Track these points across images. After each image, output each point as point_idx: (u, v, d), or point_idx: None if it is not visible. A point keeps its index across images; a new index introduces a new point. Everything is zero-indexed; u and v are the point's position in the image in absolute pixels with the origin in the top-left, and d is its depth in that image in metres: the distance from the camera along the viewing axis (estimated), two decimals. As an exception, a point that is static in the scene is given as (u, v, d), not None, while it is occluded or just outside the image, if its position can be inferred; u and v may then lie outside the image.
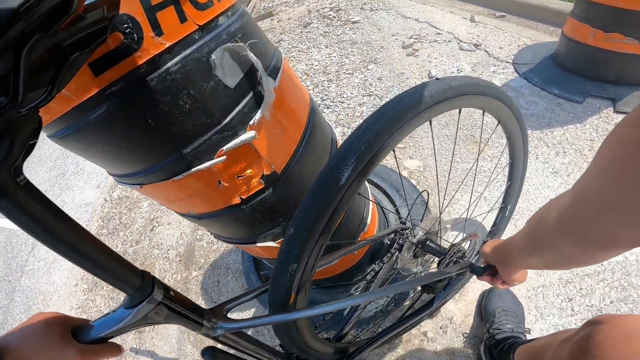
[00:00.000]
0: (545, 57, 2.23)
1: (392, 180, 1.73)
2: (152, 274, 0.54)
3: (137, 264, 1.96)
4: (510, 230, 1.47)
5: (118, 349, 0.57)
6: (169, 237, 2.06)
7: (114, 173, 0.74)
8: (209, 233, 1.21)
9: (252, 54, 0.64)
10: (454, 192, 1.66)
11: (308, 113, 0.88)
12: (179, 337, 1.59)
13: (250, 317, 1.54)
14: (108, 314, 0.53)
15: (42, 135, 0.62)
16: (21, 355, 0.46)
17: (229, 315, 0.70)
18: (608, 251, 0.44)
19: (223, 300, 1.61)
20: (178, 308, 0.57)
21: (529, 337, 1.13)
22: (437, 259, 1.00)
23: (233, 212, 0.82)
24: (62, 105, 0.52)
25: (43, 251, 2.37)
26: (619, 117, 1.79)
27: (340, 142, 1.38)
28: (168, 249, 2.00)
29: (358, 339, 1.10)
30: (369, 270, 1.42)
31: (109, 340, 0.55)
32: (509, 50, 2.42)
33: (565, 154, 1.70)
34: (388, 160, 1.93)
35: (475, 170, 1.74)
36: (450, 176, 1.75)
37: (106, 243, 2.15)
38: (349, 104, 2.42)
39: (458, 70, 2.37)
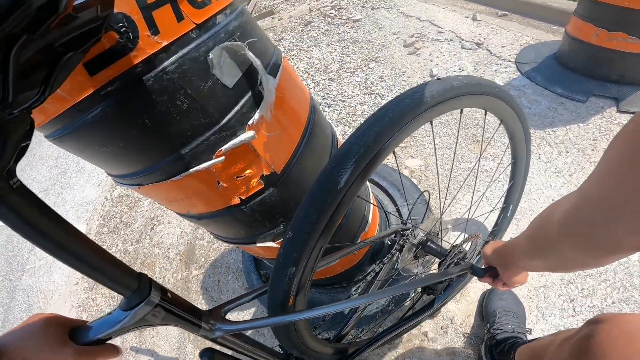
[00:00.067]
0: (548, 56, 2.22)
1: (393, 180, 1.72)
2: (152, 272, 0.54)
3: (137, 263, 1.97)
4: (512, 230, 1.47)
5: (116, 351, 0.56)
6: (169, 235, 2.06)
7: (112, 173, 0.73)
8: (209, 232, 1.21)
9: (250, 53, 0.64)
10: (456, 192, 1.65)
11: (308, 112, 0.88)
12: (180, 336, 1.59)
13: (249, 318, 1.54)
14: (106, 315, 0.53)
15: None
16: (18, 356, 0.45)
17: (228, 315, 0.70)
18: (612, 255, 0.44)
19: (223, 300, 1.63)
20: (175, 310, 0.56)
21: (530, 337, 1.13)
22: (437, 260, 1.00)
23: (232, 213, 0.81)
24: (57, 106, 0.51)
25: (44, 250, 2.36)
26: (622, 117, 1.78)
27: (341, 141, 1.37)
28: (168, 248, 1.99)
29: (358, 339, 1.10)
30: (370, 270, 1.41)
31: (107, 342, 0.55)
32: (511, 49, 2.40)
33: (568, 153, 1.69)
34: (389, 159, 1.92)
35: (477, 170, 1.73)
36: (451, 176, 1.75)
37: (107, 241, 2.17)
38: (350, 103, 2.41)
39: (460, 69, 2.36)
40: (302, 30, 3.43)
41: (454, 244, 0.97)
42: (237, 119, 0.66)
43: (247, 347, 0.74)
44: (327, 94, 2.54)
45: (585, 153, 1.67)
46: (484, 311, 1.27)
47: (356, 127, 0.62)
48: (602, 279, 1.29)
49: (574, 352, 0.61)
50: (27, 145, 0.36)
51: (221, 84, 0.62)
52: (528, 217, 1.50)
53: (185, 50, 0.55)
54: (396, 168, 1.82)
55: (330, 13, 3.58)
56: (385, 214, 1.55)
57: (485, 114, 0.88)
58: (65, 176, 2.94)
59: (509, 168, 1.12)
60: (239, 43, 0.62)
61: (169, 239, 2.04)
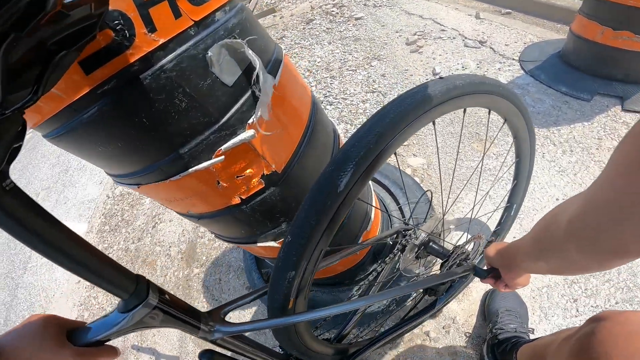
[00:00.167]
0: (552, 55, 2.21)
1: (395, 178, 1.71)
2: (154, 271, 0.53)
3: (139, 261, 1.97)
4: (515, 230, 1.45)
5: (115, 352, 0.56)
6: (170, 234, 2.06)
7: (111, 173, 0.72)
8: (210, 232, 1.20)
9: (250, 51, 0.63)
10: (459, 192, 1.64)
11: (310, 110, 0.87)
12: (181, 334, 1.59)
13: (250, 319, 1.53)
14: (104, 316, 0.52)
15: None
16: (16, 356, 0.45)
17: (228, 316, 0.69)
18: (618, 259, 0.43)
19: (225, 298, 1.62)
20: (174, 312, 0.56)
21: (532, 337, 1.12)
22: (439, 260, 0.99)
23: (233, 213, 0.80)
24: (53, 105, 0.51)
25: (46, 248, 2.36)
26: (627, 116, 1.76)
27: (343, 139, 1.36)
28: (170, 246, 1.99)
29: (359, 340, 1.09)
30: (371, 270, 1.40)
31: (106, 343, 0.54)
32: (515, 48, 2.38)
33: (572, 152, 1.68)
34: (391, 158, 1.91)
35: (481, 168, 1.72)
36: (454, 175, 1.73)
37: (109, 240, 2.17)
38: (352, 101, 2.39)
39: (463, 68, 2.34)
40: (303, 29, 3.41)
41: (457, 244, 0.96)
42: (237, 118, 0.65)
43: (246, 349, 0.73)
44: (329, 92, 2.53)
45: (589, 152, 1.66)
46: (487, 311, 1.27)
47: (357, 127, 0.61)
48: (606, 279, 1.28)
49: (575, 350, 0.61)
50: (20, 147, 0.35)
51: (220, 82, 0.61)
52: (531, 217, 1.49)
53: (183, 48, 0.54)
54: (398, 167, 1.81)
55: (332, 11, 3.56)
56: (388, 215, 1.54)
57: (489, 113, 0.87)
58: (67, 174, 2.94)
59: (513, 167, 1.11)
60: (239, 40, 0.61)
61: (170, 237, 2.04)
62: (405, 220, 1.48)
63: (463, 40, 2.58)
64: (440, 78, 0.69)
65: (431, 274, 1.25)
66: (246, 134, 0.66)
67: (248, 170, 0.72)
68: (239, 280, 1.69)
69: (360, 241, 1.15)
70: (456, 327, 1.30)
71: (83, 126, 0.54)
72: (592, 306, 1.23)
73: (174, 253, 1.94)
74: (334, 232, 0.62)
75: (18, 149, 0.35)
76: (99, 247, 2.16)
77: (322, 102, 2.45)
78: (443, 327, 1.30)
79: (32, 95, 0.34)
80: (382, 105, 2.27)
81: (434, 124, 0.71)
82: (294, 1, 4.12)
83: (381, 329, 1.33)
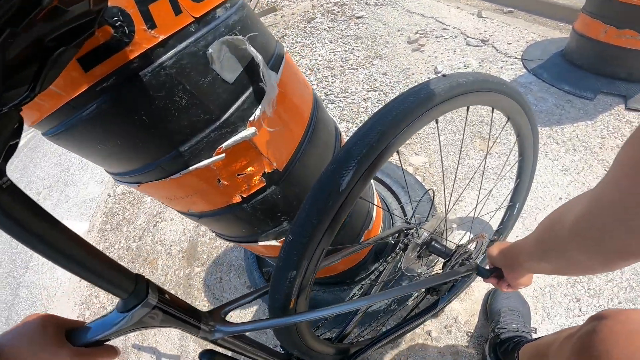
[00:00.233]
0: (554, 53, 2.20)
1: (397, 177, 1.70)
2: (155, 270, 0.53)
3: (140, 260, 1.97)
4: (518, 229, 1.45)
5: (114, 352, 0.55)
6: (171, 232, 2.05)
7: (111, 171, 0.72)
8: (211, 230, 1.20)
9: (251, 48, 0.62)
10: (462, 191, 1.64)
11: (311, 108, 0.86)
12: (182, 334, 1.58)
13: (250, 318, 1.53)
14: (103, 316, 0.52)
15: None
16: (15, 356, 0.45)
17: (229, 315, 0.69)
18: (623, 260, 0.43)
19: (226, 297, 1.62)
20: (174, 312, 0.55)
21: (534, 336, 1.11)
22: (441, 259, 0.98)
23: (234, 211, 0.80)
24: (51, 103, 0.50)
25: (47, 247, 2.36)
26: (631, 114, 1.75)
27: (344, 138, 1.36)
28: (171, 245, 1.99)
29: (361, 339, 1.09)
30: (373, 269, 1.40)
31: (106, 343, 0.53)
32: (517, 46, 2.37)
33: (575, 151, 1.67)
34: (392, 156, 1.90)
35: (484, 167, 1.71)
36: (457, 174, 1.73)
37: (110, 238, 2.17)
38: (354, 99, 2.39)
39: (465, 66, 2.33)
40: (305, 27, 3.40)
41: (459, 244, 0.96)
42: (237, 115, 0.65)
43: (247, 348, 0.73)
44: (330, 90, 2.52)
45: (592, 151, 1.65)
46: (489, 310, 1.26)
47: (359, 125, 0.60)
48: (609, 279, 1.27)
49: (577, 349, 0.60)
50: (17, 144, 0.35)
51: (221, 80, 0.60)
52: (534, 216, 1.48)
53: (183, 45, 0.54)
54: (399, 165, 1.80)
55: (333, 10, 3.55)
56: (390, 214, 1.53)
57: (493, 111, 0.86)
58: (69, 173, 2.94)
59: (516, 166, 1.11)
60: (240, 37, 0.60)
61: (171, 236, 2.04)
62: (407, 219, 1.48)
63: (465, 38, 2.57)
64: (444, 76, 0.69)
65: (433, 273, 1.24)
66: (247, 132, 0.66)
67: (249, 169, 0.71)
68: (240, 279, 1.69)
69: (361, 240, 1.14)
70: (458, 327, 1.29)
71: (82, 123, 0.53)
72: (595, 306, 1.22)
73: (175, 252, 1.94)
74: (336, 231, 0.61)
75: (15, 147, 0.35)
76: (100, 246, 2.16)
77: (323, 101, 2.44)
78: (445, 327, 1.30)
79: (29, 92, 0.33)
80: (383, 103, 2.27)
81: (437, 122, 0.70)
82: (294, 0, 4.11)
83: (382, 328, 1.33)
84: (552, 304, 1.26)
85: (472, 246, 0.99)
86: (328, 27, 3.29)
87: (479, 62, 2.33)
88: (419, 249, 0.97)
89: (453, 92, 0.67)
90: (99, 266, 0.44)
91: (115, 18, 0.45)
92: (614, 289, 1.25)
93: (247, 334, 0.74)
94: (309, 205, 0.59)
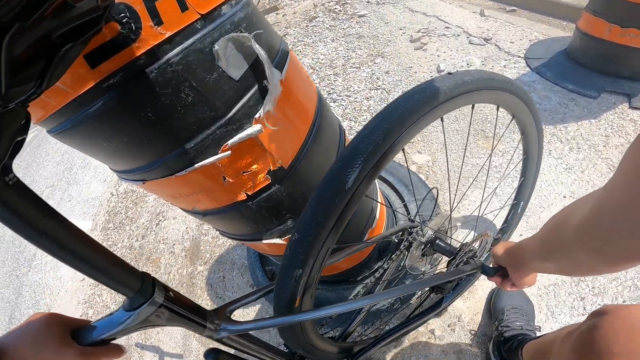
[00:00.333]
0: (558, 52, 2.19)
1: (400, 175, 1.70)
2: (157, 269, 0.52)
3: (143, 259, 1.97)
4: (522, 227, 1.44)
5: (120, 351, 0.55)
6: (174, 231, 2.05)
7: (115, 169, 0.72)
8: (214, 228, 1.20)
9: (257, 45, 0.62)
10: (466, 190, 1.63)
11: (316, 106, 0.86)
12: (185, 333, 1.58)
13: (254, 317, 1.53)
14: (109, 314, 0.51)
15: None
16: (20, 357, 0.44)
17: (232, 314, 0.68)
18: (628, 262, 0.43)
19: (228, 296, 1.62)
20: (180, 310, 0.55)
21: (538, 334, 1.11)
22: (445, 258, 0.98)
23: (238, 209, 0.80)
24: (58, 100, 0.50)
25: (50, 245, 2.36)
26: (635, 113, 1.74)
27: (347, 136, 1.35)
28: (174, 244, 1.99)
29: (364, 338, 1.08)
30: (377, 267, 1.40)
31: (111, 342, 0.53)
32: (520, 45, 2.37)
33: (579, 149, 1.67)
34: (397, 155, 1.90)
35: (489, 166, 1.70)
36: (460, 172, 1.72)
37: (113, 237, 2.17)
38: (356, 98, 2.38)
39: (468, 65, 2.32)
40: (306, 26, 3.40)
41: (464, 242, 0.95)
42: (243, 112, 0.64)
43: (252, 347, 0.73)
44: (332, 89, 2.52)
45: (596, 149, 1.64)
46: (492, 309, 1.26)
47: (363, 123, 0.60)
48: (613, 278, 1.27)
49: (578, 345, 0.60)
50: (23, 140, 0.34)
51: (227, 76, 0.60)
52: (538, 214, 1.48)
53: (189, 42, 0.54)
54: (403, 164, 1.80)
55: (335, 8, 3.54)
56: (394, 212, 1.53)
57: (497, 109, 0.86)
58: (72, 172, 2.94)
59: (520, 164, 1.10)
60: (245, 34, 0.60)
61: (174, 234, 2.04)
62: (411, 217, 1.47)
63: (468, 37, 2.57)
64: (449, 73, 0.68)
65: (437, 271, 1.24)
66: (253, 129, 0.65)
67: (254, 166, 0.71)
68: (243, 277, 1.69)
69: (365, 239, 1.14)
70: (461, 325, 1.29)
71: (88, 121, 0.53)
72: (599, 304, 1.22)
73: (178, 251, 1.94)
74: (341, 229, 0.61)
75: (22, 143, 0.35)
76: (104, 245, 2.15)
77: (325, 99, 2.43)
78: (448, 325, 1.29)
79: (36, 89, 0.33)
80: (386, 102, 2.26)
81: (442, 120, 0.70)
82: (296, -2, 4.11)
83: (386, 327, 1.32)
84: (557, 302, 1.25)
85: (476, 244, 0.98)
86: (330, 25, 3.29)
87: (482, 61, 2.32)
88: (423, 247, 0.96)
89: (458, 90, 0.66)
90: (106, 264, 0.44)
91: (122, 14, 0.45)
92: (618, 288, 1.24)
93: (251, 332, 0.74)
94: (315, 204, 0.59)
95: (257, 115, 0.66)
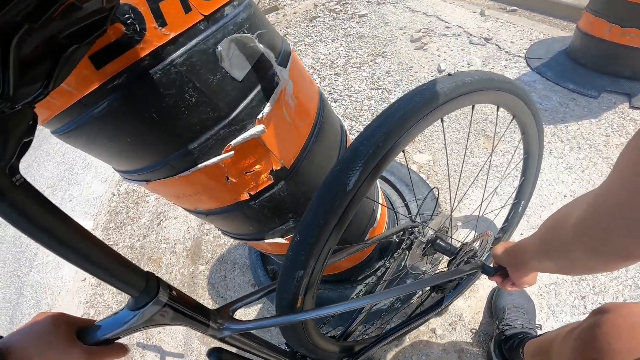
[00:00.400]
0: (558, 52, 2.19)
1: (401, 175, 1.70)
2: (159, 268, 0.53)
3: (144, 259, 1.97)
4: (522, 226, 1.45)
5: (125, 350, 0.55)
6: (175, 231, 2.06)
7: (119, 169, 0.72)
8: (216, 228, 1.20)
9: (260, 45, 0.62)
10: (467, 189, 1.64)
11: (318, 106, 0.86)
12: (186, 332, 1.59)
13: (256, 316, 1.53)
14: (114, 314, 0.52)
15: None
16: (25, 356, 0.44)
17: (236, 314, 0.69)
18: (626, 261, 0.43)
19: (230, 295, 1.62)
20: (184, 309, 0.55)
21: (539, 333, 1.11)
22: (446, 257, 0.98)
23: (241, 209, 0.80)
24: (62, 101, 0.50)
25: (51, 245, 2.37)
26: (635, 113, 1.75)
27: (349, 136, 1.36)
28: (175, 243, 1.99)
29: (365, 337, 1.09)
30: (378, 267, 1.40)
31: (116, 341, 0.54)
32: (521, 45, 2.37)
33: (579, 149, 1.67)
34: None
35: (489, 165, 1.71)
36: (461, 172, 1.73)
37: (114, 237, 2.17)
38: (357, 98, 2.39)
39: (468, 65, 2.33)
40: (307, 26, 3.40)
41: (465, 242, 0.96)
42: (246, 113, 0.65)
43: (254, 346, 0.73)
44: (333, 89, 2.52)
45: (597, 149, 1.65)
46: (493, 307, 1.26)
47: (364, 123, 0.60)
48: (614, 276, 1.27)
49: (579, 343, 0.61)
50: (30, 141, 0.35)
51: (230, 77, 0.61)
52: (539, 213, 1.48)
53: (193, 43, 0.54)
54: (406, 164, 1.80)
55: (336, 8, 3.54)
56: (395, 212, 1.53)
57: (498, 109, 0.86)
58: (73, 172, 2.95)
59: (520, 163, 1.10)
60: (249, 35, 0.61)
61: (175, 234, 2.04)
62: (412, 217, 1.48)
63: (468, 37, 2.57)
64: (449, 75, 0.69)
65: (438, 271, 1.24)
66: (256, 129, 0.66)
67: (257, 166, 0.72)
68: (244, 277, 1.69)
69: (366, 238, 1.14)
70: (462, 324, 1.29)
71: (93, 121, 0.53)
72: (600, 303, 1.22)
73: (179, 250, 1.95)
74: (343, 230, 0.61)
75: (29, 144, 0.35)
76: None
77: (327, 99, 2.44)
78: (449, 324, 1.30)
79: (42, 90, 0.34)
80: (387, 102, 2.27)
81: (442, 121, 0.70)
82: (297, -2, 4.11)
83: (387, 326, 1.33)
84: (557, 301, 1.26)
85: (476, 244, 0.99)
86: (330, 25, 3.29)
87: (483, 61, 2.32)
88: (423, 247, 0.97)
89: (459, 91, 0.67)
90: (111, 263, 0.44)
91: (127, 15, 0.45)
92: (618, 287, 1.25)
93: (254, 331, 0.74)
94: (316, 205, 0.59)
95: (260, 116, 0.66)
